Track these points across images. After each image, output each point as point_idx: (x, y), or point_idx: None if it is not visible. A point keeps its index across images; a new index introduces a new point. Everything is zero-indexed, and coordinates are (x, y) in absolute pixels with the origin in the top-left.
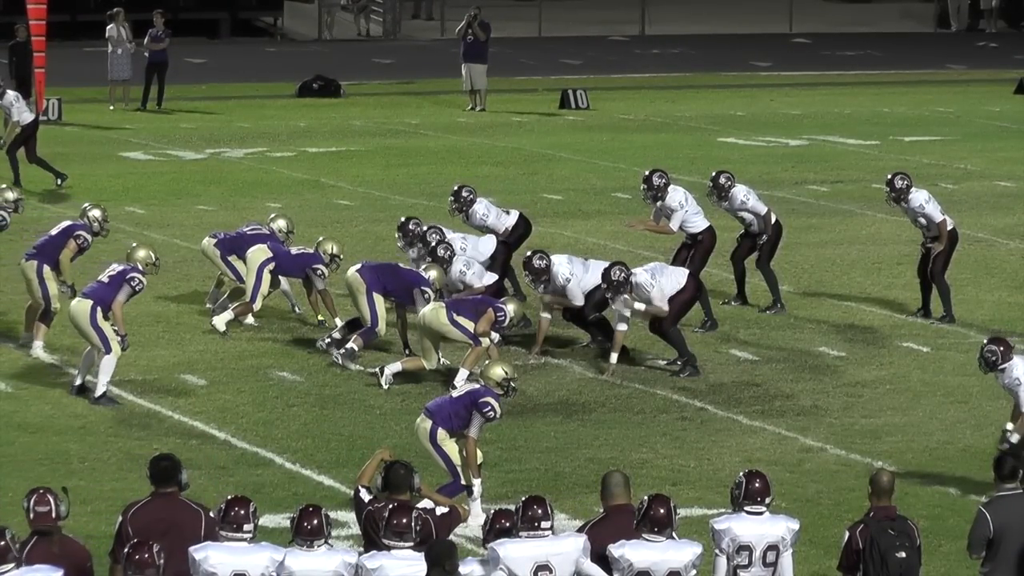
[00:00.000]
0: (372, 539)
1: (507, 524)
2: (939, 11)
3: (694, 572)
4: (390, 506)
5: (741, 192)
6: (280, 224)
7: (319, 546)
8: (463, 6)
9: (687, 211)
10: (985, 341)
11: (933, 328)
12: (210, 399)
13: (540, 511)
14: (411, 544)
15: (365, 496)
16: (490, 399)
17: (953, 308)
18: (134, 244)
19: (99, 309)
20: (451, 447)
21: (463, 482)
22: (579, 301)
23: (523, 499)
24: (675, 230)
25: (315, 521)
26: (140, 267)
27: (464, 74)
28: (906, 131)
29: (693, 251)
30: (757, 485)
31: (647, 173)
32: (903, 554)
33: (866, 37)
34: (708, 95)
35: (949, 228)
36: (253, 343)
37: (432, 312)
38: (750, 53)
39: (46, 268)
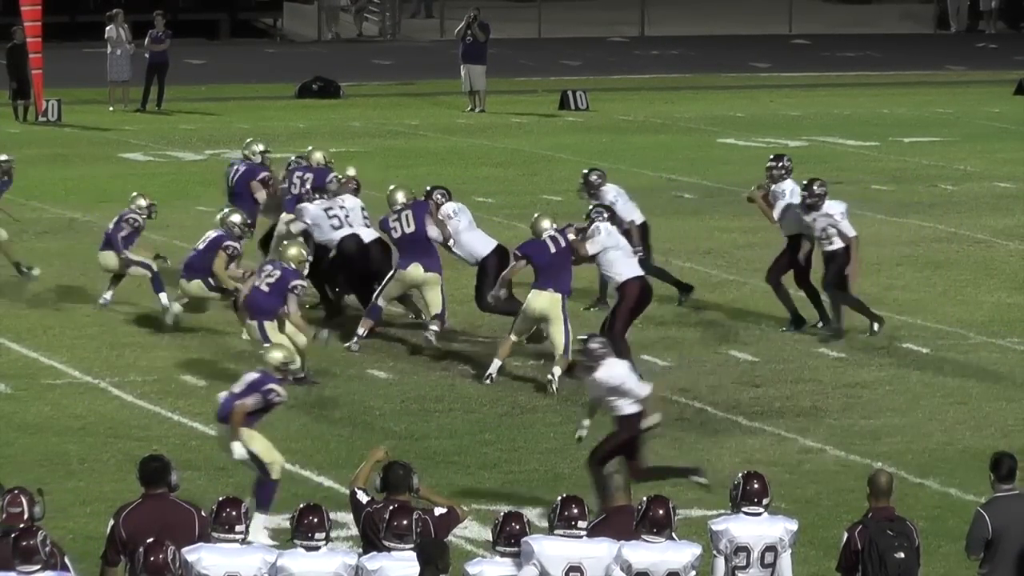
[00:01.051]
0: (371, 541)
1: (517, 527)
2: (939, 12)
3: (693, 573)
4: (391, 507)
5: (612, 191)
6: (254, 148)
7: (320, 540)
8: (463, 7)
9: (790, 206)
10: (585, 337)
11: (933, 329)
12: (210, 400)
13: (577, 511)
14: (412, 546)
15: (363, 498)
16: (272, 384)
17: (842, 319)
18: (284, 243)
19: (265, 325)
20: (259, 444)
21: (273, 477)
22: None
23: (561, 497)
24: (775, 219)
25: (316, 518)
26: (294, 266)
27: (463, 75)
28: (906, 132)
29: (787, 258)
30: (755, 486)
31: (776, 155)
32: (902, 555)
33: (865, 38)
34: (708, 96)
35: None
36: (251, 344)
37: (549, 301)
38: (750, 54)
39: (210, 282)
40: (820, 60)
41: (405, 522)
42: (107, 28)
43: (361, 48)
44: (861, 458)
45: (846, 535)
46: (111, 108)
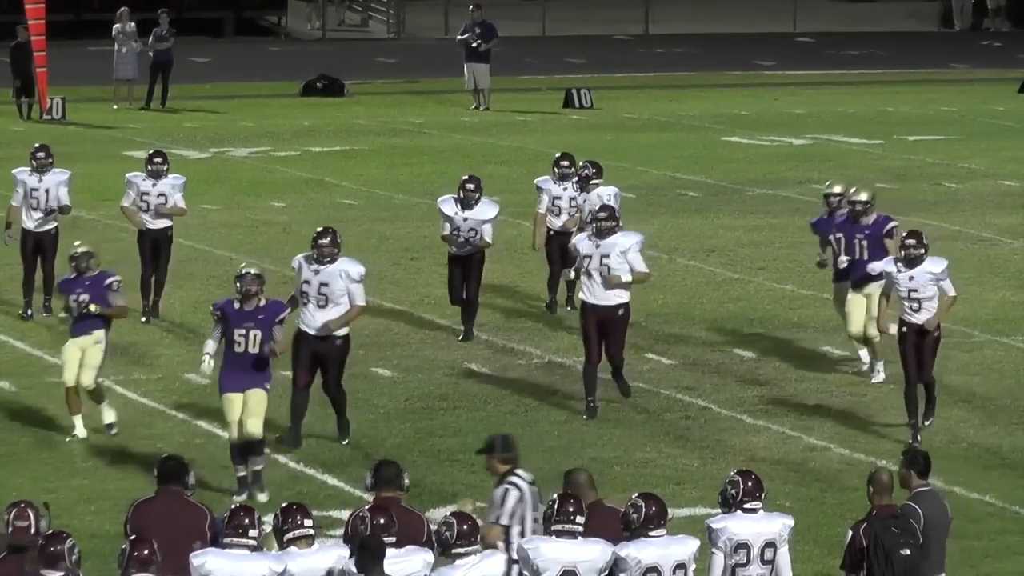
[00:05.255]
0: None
1: (572, 509)
2: (943, 10)
3: (694, 566)
4: (368, 506)
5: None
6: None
7: (310, 528)
8: (466, 4)
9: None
10: None
11: None
12: (214, 399)
13: (574, 509)
14: (394, 540)
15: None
16: None
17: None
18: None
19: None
20: None
21: None
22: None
23: (558, 495)
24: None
25: (297, 507)
26: None
27: (467, 74)
28: (910, 130)
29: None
30: (751, 483)
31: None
32: (908, 551)
33: (870, 36)
34: (712, 94)
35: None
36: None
37: None
38: (754, 52)
39: None
40: (824, 58)
41: (383, 520)
42: (114, 26)
43: (365, 46)
44: (865, 456)
45: (851, 533)
46: (115, 106)
